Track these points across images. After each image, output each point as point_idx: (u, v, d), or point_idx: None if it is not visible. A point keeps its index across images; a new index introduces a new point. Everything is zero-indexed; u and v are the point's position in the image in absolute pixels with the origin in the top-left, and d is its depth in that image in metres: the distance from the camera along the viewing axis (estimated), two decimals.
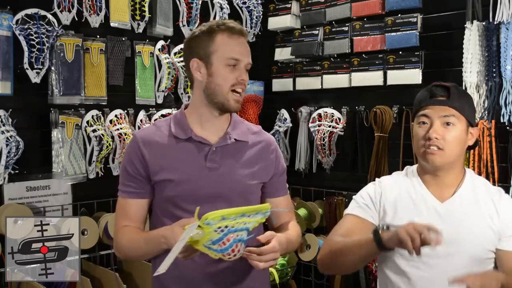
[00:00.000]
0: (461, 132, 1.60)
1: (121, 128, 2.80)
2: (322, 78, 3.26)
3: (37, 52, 2.51)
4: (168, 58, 3.03)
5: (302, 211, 3.20)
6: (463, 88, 2.53)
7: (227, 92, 1.57)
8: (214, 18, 3.17)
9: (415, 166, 1.73)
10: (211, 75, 1.59)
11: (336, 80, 3.18)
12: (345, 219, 1.69)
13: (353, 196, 1.74)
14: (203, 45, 1.59)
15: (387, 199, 1.67)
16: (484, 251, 1.59)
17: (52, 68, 2.61)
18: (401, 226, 1.37)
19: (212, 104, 1.61)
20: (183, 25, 3.07)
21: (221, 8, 3.20)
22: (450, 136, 1.58)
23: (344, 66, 3.14)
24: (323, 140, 3.18)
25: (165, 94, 3.08)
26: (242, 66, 1.58)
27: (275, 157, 1.71)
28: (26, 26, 2.48)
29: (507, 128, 2.48)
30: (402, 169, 1.77)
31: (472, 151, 2.51)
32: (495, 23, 2.44)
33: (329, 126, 3.18)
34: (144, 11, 2.88)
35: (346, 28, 3.10)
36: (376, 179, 1.75)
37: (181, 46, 3.06)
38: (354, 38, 3.06)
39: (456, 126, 1.58)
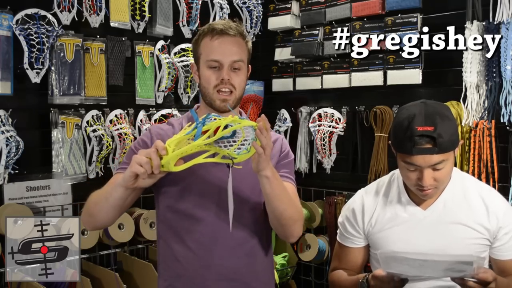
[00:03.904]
0: (451, 164, 1.56)
1: (121, 128, 2.80)
2: (322, 78, 3.26)
3: (37, 52, 2.51)
4: (168, 58, 3.03)
5: None
6: (463, 88, 2.54)
7: (212, 93, 1.59)
8: (214, 18, 3.18)
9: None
10: (200, 77, 1.63)
11: (336, 80, 3.18)
12: (337, 249, 1.82)
13: (338, 220, 1.81)
14: (195, 50, 1.66)
15: (370, 213, 1.70)
16: (473, 253, 1.58)
17: (52, 68, 2.61)
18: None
19: (207, 104, 1.63)
20: (183, 25, 3.08)
21: (221, 8, 3.20)
22: (442, 176, 1.55)
23: (344, 66, 3.14)
24: (323, 140, 3.19)
25: (165, 94, 3.08)
26: (225, 66, 1.57)
27: (280, 145, 1.70)
28: (26, 26, 2.48)
29: (507, 128, 2.48)
30: None
31: (472, 151, 2.52)
32: (495, 23, 2.44)
33: (329, 126, 3.18)
34: (144, 11, 2.89)
35: (346, 28, 3.09)
36: (359, 191, 1.79)
37: (181, 46, 3.07)
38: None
39: (447, 164, 1.54)
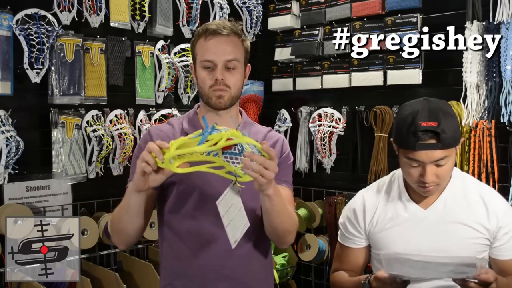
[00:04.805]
0: (452, 161, 1.57)
1: (121, 128, 2.80)
2: (322, 78, 3.26)
3: (37, 52, 2.51)
4: (168, 58, 3.03)
5: (302, 211, 3.20)
6: (463, 88, 2.54)
7: (208, 92, 1.60)
8: (214, 18, 3.18)
9: (400, 172, 1.69)
10: (196, 78, 1.64)
11: (336, 80, 3.18)
12: (338, 250, 1.82)
13: (339, 221, 1.81)
14: (192, 51, 1.66)
15: (371, 212, 1.70)
16: (473, 253, 1.59)
17: (52, 68, 2.61)
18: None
19: (205, 103, 1.63)
20: (183, 25, 3.08)
21: (221, 8, 3.20)
22: (444, 172, 1.55)
23: (344, 66, 3.14)
24: (323, 140, 3.19)
25: (165, 94, 3.08)
26: (219, 66, 1.57)
27: (280, 147, 1.69)
28: (26, 26, 2.48)
29: (507, 128, 2.48)
30: None
31: (472, 151, 2.52)
32: (495, 23, 2.44)
33: (329, 126, 3.18)
34: (144, 11, 2.89)
35: (346, 28, 3.09)
36: (360, 192, 1.79)
37: (181, 46, 3.07)
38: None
39: (449, 161, 1.54)
